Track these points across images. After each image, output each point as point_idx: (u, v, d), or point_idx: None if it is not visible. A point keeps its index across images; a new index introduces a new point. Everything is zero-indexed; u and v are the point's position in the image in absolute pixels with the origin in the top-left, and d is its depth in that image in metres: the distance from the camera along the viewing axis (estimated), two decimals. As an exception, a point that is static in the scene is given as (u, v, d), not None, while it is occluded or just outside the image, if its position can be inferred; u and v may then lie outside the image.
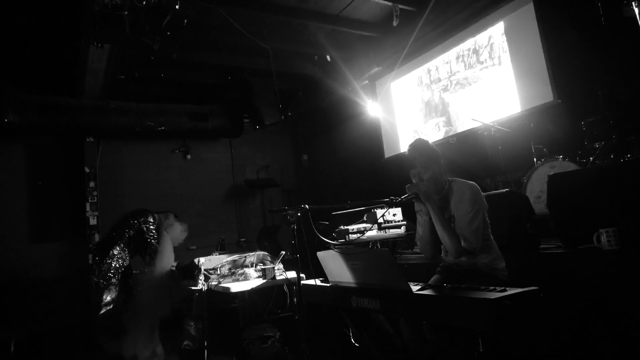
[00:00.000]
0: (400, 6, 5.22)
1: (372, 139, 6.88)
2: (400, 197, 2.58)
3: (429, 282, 2.48)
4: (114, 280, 4.19)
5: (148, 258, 4.47)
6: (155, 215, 4.61)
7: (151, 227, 4.47)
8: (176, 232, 4.66)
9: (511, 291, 1.84)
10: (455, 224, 2.48)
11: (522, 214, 3.13)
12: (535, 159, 4.30)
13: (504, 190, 3.15)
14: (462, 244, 2.40)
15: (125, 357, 4.05)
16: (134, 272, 4.42)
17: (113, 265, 4.23)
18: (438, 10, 5.25)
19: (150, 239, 4.42)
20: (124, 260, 4.32)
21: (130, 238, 4.39)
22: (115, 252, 4.27)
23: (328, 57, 6.45)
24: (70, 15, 4.78)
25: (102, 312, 4.10)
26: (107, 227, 6.27)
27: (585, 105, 4.13)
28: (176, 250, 4.80)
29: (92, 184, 6.56)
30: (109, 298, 4.15)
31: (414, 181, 2.59)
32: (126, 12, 4.02)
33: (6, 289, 5.81)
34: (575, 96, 4.32)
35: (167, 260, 4.42)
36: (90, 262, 6.29)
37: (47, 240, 6.40)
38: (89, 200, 6.49)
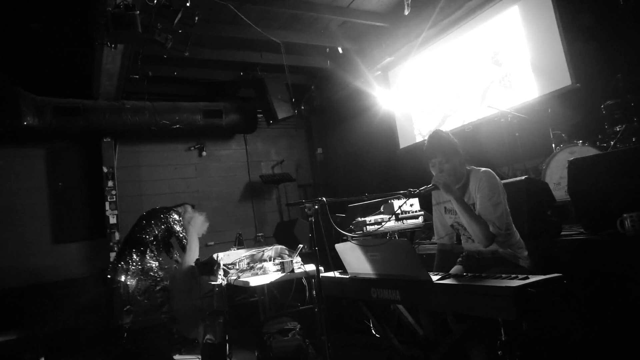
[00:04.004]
0: (411, -6, 5.16)
1: (387, 130, 6.83)
2: (418, 189, 2.56)
3: (450, 272, 2.46)
4: (160, 277, 4.32)
5: (176, 255, 4.57)
6: (178, 210, 4.70)
7: (178, 222, 4.56)
8: (198, 223, 4.73)
9: (534, 279, 1.81)
10: (476, 211, 2.46)
11: (543, 200, 3.08)
12: (554, 145, 4.22)
13: (523, 177, 3.10)
14: (490, 229, 2.38)
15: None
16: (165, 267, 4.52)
17: (153, 265, 4.33)
18: (450, -4, 5.18)
19: (180, 234, 4.51)
20: (157, 259, 4.43)
21: (160, 236, 4.48)
22: (151, 253, 4.38)
23: (340, 49, 6.41)
24: (83, 18, 4.83)
25: (164, 301, 4.25)
26: (127, 226, 6.45)
27: (605, 88, 4.03)
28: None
29: (110, 184, 6.66)
30: (159, 294, 4.30)
31: (433, 172, 2.58)
32: (138, 12, 4.05)
33: (31, 289, 5.96)
34: (593, 79, 4.22)
35: (193, 256, 4.50)
36: (112, 260, 6.41)
37: (69, 240, 6.53)
38: (108, 200, 6.59)
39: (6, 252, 6.08)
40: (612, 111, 3.85)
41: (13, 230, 6.20)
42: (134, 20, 4.01)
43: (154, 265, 4.35)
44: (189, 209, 4.80)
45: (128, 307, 4.21)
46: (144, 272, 4.29)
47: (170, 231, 4.53)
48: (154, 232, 4.46)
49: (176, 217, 4.59)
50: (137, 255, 4.33)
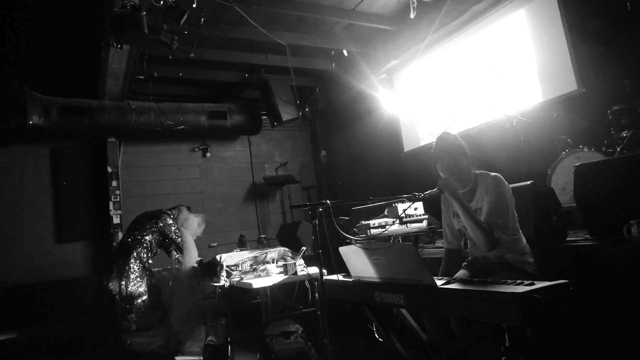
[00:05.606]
0: (417, -3, 5.15)
1: (391, 133, 6.82)
2: (423, 193, 2.55)
3: (455, 277, 2.45)
4: (141, 281, 4.25)
5: (177, 255, 4.53)
6: (171, 212, 4.66)
7: (172, 226, 4.52)
8: (193, 225, 4.70)
9: (540, 285, 1.80)
10: (483, 216, 2.44)
11: (548, 206, 3.06)
12: (559, 150, 4.20)
13: (529, 182, 3.08)
14: (495, 235, 2.37)
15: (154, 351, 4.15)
16: (160, 270, 4.48)
17: (137, 267, 4.27)
18: (457, 0, 5.17)
19: (175, 237, 4.47)
20: (146, 261, 4.38)
21: (152, 241, 4.44)
22: (139, 255, 4.32)
23: (345, 52, 6.41)
24: (90, 18, 4.85)
25: (132, 309, 4.17)
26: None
27: (611, 93, 4.01)
28: (198, 247, 4.85)
29: (114, 184, 6.67)
30: (139, 300, 4.22)
31: (440, 175, 2.57)
32: (144, 13, 4.06)
33: (33, 288, 5.96)
34: (600, 85, 4.19)
35: (192, 256, 4.49)
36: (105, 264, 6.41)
37: (72, 239, 6.53)
38: (112, 200, 6.59)
39: (9, 250, 6.09)
40: (618, 117, 3.82)
41: (16, 229, 6.21)
42: (140, 21, 4.02)
43: (136, 268, 4.27)
44: (184, 210, 4.77)
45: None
46: (127, 276, 4.21)
47: (164, 235, 4.47)
48: (145, 236, 4.40)
49: (170, 221, 4.52)
50: (122, 260, 4.27)
